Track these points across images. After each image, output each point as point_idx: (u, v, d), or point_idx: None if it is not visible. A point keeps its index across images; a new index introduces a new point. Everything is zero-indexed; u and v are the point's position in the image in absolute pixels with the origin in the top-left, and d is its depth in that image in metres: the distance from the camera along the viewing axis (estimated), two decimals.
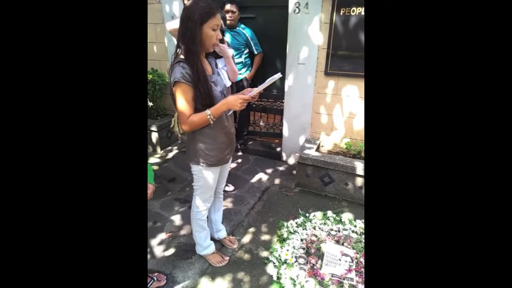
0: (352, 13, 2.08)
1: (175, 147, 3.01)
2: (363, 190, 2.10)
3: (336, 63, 2.25)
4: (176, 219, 1.95)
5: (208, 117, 1.15)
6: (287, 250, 1.63)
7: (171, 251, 1.67)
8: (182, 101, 1.13)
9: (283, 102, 2.67)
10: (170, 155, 2.88)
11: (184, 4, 2.73)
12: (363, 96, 2.25)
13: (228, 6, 2.39)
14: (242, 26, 2.53)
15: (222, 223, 1.70)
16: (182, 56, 1.14)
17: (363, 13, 2.05)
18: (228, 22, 2.44)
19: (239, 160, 2.78)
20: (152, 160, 2.76)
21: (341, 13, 2.11)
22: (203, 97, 1.14)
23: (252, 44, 2.56)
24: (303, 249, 1.65)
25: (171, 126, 1.46)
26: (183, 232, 1.83)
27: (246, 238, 1.77)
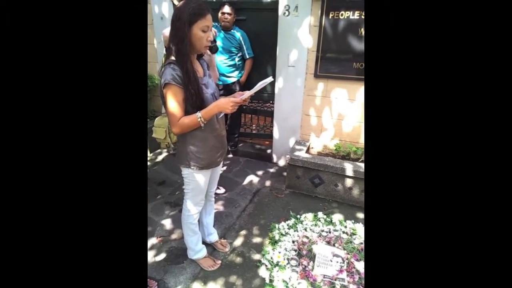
0: (340, 17, 2.12)
1: (165, 150, 2.97)
2: (353, 191, 2.13)
3: (325, 65, 2.28)
4: (167, 223, 1.92)
5: (199, 119, 1.14)
6: (279, 252, 1.63)
7: (162, 256, 1.64)
8: (173, 103, 1.12)
9: (273, 104, 2.68)
10: (160, 157, 2.84)
11: (173, 5, 2.71)
12: (352, 98, 2.29)
13: (224, 8, 2.38)
14: (237, 28, 2.53)
15: (213, 226, 1.69)
16: (173, 58, 1.13)
17: (351, 17, 2.09)
18: (223, 24, 2.43)
19: (230, 163, 2.77)
20: None
21: (330, 17, 2.14)
22: (194, 99, 1.13)
23: (245, 48, 2.56)
24: (295, 251, 1.66)
25: (161, 137, 1.39)
26: (174, 236, 1.80)
27: (238, 241, 1.76)
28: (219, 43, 2.48)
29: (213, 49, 1.52)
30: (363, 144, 2.35)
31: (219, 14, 2.41)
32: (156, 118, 1.45)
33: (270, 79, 1.14)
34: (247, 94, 1.17)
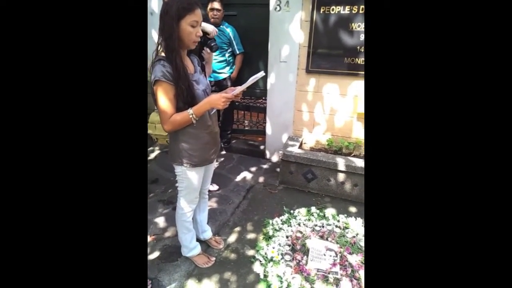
0: (331, 12, 2.12)
1: (157, 148, 2.94)
2: (345, 186, 2.16)
3: (317, 61, 2.28)
4: (160, 221, 1.91)
5: (191, 116, 1.13)
6: (273, 248, 1.64)
7: (156, 254, 1.63)
8: (164, 100, 1.11)
9: (265, 100, 2.68)
10: (152, 155, 2.81)
11: (162, 0, 2.66)
12: (343, 93, 2.30)
13: (214, 4, 2.35)
14: (226, 24, 2.50)
15: (207, 223, 1.69)
16: (163, 54, 1.12)
17: (342, 12, 2.09)
18: (212, 20, 2.40)
19: (223, 159, 2.76)
20: None
21: (321, 12, 2.14)
22: (184, 95, 1.12)
23: (235, 44, 2.54)
24: (289, 245, 1.67)
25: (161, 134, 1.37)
26: (167, 234, 1.79)
27: (232, 238, 1.77)
28: None
29: (213, 48, 1.51)
30: (355, 139, 2.38)
31: (208, 10, 2.37)
32: (151, 114, 1.43)
33: (261, 73, 1.13)
34: (239, 89, 1.16)
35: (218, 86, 2.57)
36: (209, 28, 1.47)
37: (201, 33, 1.14)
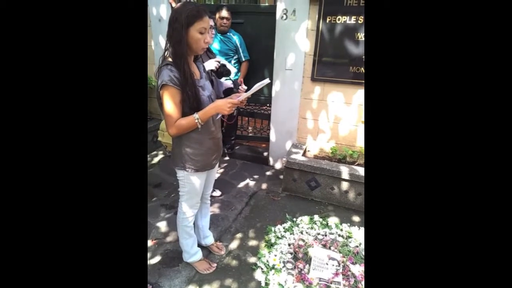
0: (337, 21, 2.14)
1: (160, 152, 2.96)
2: (349, 194, 2.14)
3: (322, 69, 2.30)
4: (162, 225, 1.90)
5: (196, 121, 1.14)
6: (275, 255, 1.62)
7: (157, 259, 1.63)
8: (170, 104, 1.12)
9: (270, 107, 2.69)
10: (156, 160, 2.82)
11: (171, 7, 2.72)
12: (348, 101, 2.30)
13: (223, 13, 2.40)
14: (233, 32, 2.55)
15: (209, 229, 1.68)
16: (170, 59, 1.13)
17: (348, 22, 2.11)
18: (221, 28, 2.45)
19: (226, 165, 2.76)
20: None
21: (327, 21, 2.16)
22: (191, 100, 1.13)
23: (241, 51, 2.58)
24: (291, 254, 1.65)
25: (169, 142, 1.38)
26: (169, 239, 1.79)
27: (234, 244, 1.75)
28: (216, 46, 2.49)
29: (227, 73, 1.49)
30: (359, 148, 2.37)
31: (217, 18, 2.42)
32: (162, 122, 1.45)
33: (267, 80, 1.15)
34: (244, 95, 1.17)
35: (224, 92, 2.59)
36: (210, 64, 1.50)
37: (209, 40, 1.16)
